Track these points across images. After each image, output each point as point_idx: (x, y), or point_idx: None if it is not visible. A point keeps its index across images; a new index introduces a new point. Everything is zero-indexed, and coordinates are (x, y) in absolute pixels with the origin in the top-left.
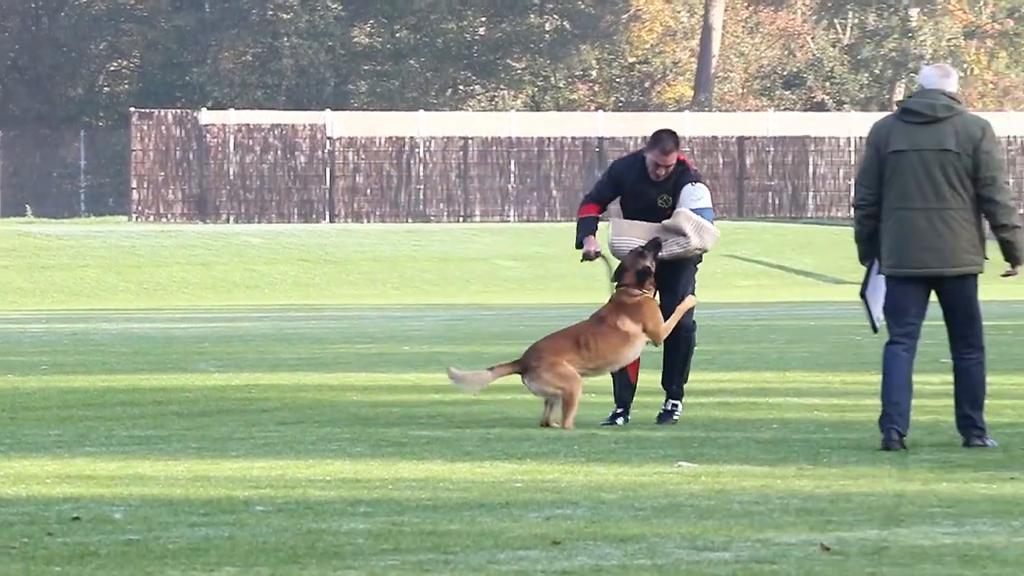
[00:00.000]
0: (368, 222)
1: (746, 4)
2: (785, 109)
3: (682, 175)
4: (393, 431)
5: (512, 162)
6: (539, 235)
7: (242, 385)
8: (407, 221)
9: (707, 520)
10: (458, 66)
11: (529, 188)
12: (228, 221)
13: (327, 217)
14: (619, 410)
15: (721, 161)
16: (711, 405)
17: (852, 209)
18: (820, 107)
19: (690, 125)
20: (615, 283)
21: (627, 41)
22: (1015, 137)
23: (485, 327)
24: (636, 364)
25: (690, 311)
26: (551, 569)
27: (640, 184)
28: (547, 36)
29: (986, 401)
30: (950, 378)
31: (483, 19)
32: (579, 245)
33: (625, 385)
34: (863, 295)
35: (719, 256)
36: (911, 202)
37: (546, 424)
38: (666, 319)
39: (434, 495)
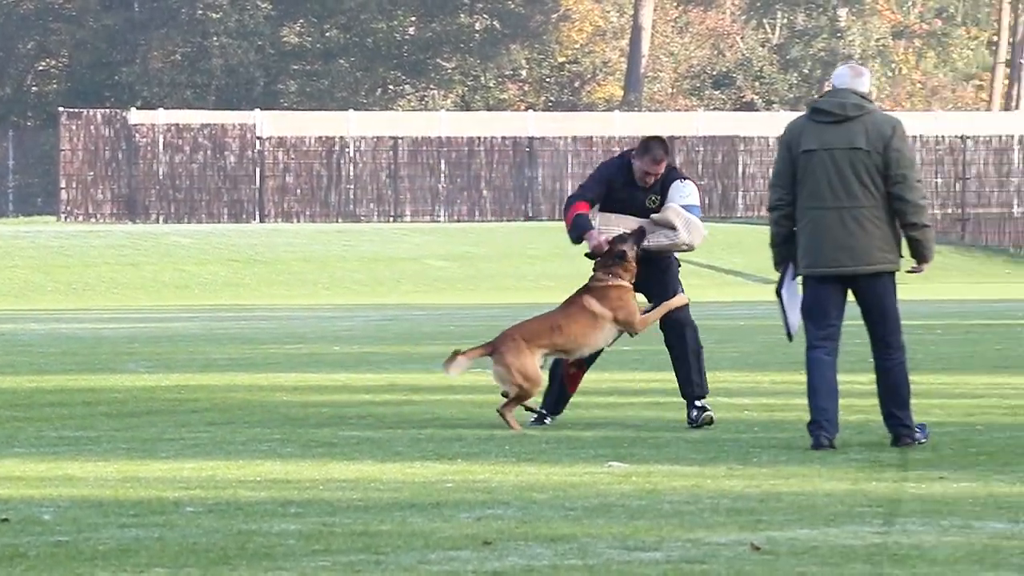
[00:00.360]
0: (298, 222)
1: (675, 4)
2: (715, 109)
3: (669, 173)
4: (324, 432)
5: (442, 162)
6: (469, 235)
7: (172, 386)
8: (337, 221)
9: (638, 520)
10: (388, 66)
11: (459, 188)
12: (158, 221)
13: (257, 217)
14: (543, 410)
15: None
16: (641, 405)
17: (768, 212)
18: (749, 107)
19: (620, 125)
20: (593, 268)
21: (557, 41)
22: (943, 137)
23: (416, 327)
24: (577, 375)
25: (686, 310)
26: (482, 569)
27: (629, 187)
28: (477, 36)
29: (912, 400)
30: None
31: (413, 19)
32: (577, 241)
33: (559, 392)
34: (779, 293)
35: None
36: (823, 201)
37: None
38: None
39: (365, 496)
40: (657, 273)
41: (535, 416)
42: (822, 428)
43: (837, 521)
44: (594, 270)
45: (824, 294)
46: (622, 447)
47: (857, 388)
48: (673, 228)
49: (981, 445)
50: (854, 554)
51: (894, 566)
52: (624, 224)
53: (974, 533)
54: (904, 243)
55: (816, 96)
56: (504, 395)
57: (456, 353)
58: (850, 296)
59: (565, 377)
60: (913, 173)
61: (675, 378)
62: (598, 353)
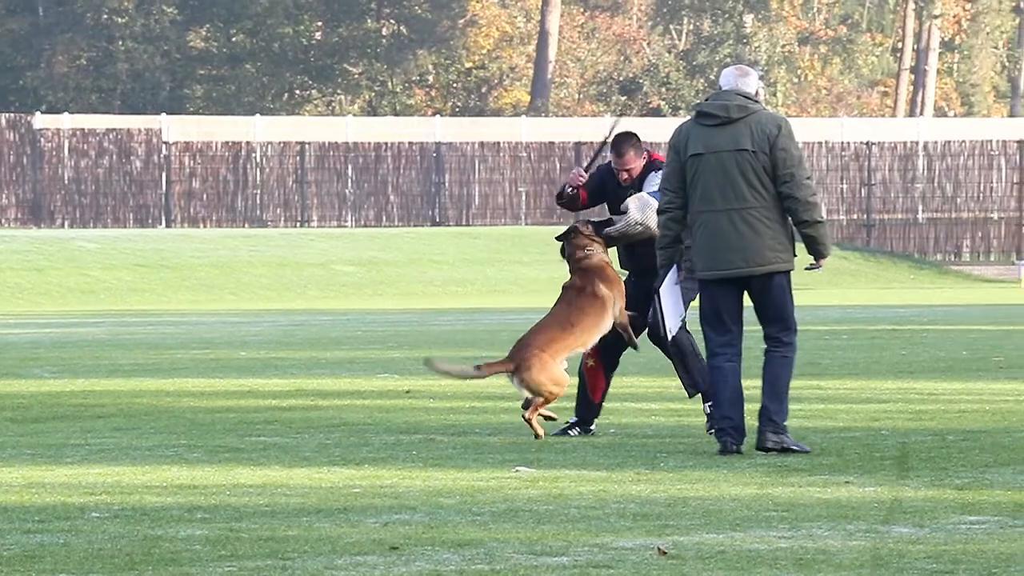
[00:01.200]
0: (205, 227)
1: (582, 10)
2: (621, 114)
3: (647, 166)
4: (230, 437)
5: (349, 167)
6: (376, 240)
7: (77, 391)
8: (244, 226)
9: (545, 525)
10: (295, 71)
11: (367, 193)
12: (63, 226)
13: (163, 222)
14: (574, 419)
15: (558, 167)
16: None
17: (657, 215)
18: (656, 112)
19: (527, 130)
20: (566, 259)
21: (464, 46)
22: (848, 143)
23: (322, 332)
24: (601, 382)
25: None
26: (389, 574)
27: (618, 188)
28: (384, 41)
29: (789, 407)
30: None
31: (319, 24)
32: (561, 198)
33: (584, 401)
34: (657, 292)
35: (557, 261)
36: (713, 204)
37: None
38: (645, 302)
39: (272, 501)
40: (644, 257)
41: (563, 427)
42: (728, 435)
43: (743, 526)
44: (570, 259)
45: (720, 298)
46: (529, 452)
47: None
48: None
49: (886, 450)
50: (760, 558)
51: (800, 570)
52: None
53: (879, 538)
54: (800, 242)
55: (704, 99)
56: (525, 405)
57: (478, 367)
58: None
59: (589, 384)
60: (801, 171)
61: (681, 376)
62: (619, 355)
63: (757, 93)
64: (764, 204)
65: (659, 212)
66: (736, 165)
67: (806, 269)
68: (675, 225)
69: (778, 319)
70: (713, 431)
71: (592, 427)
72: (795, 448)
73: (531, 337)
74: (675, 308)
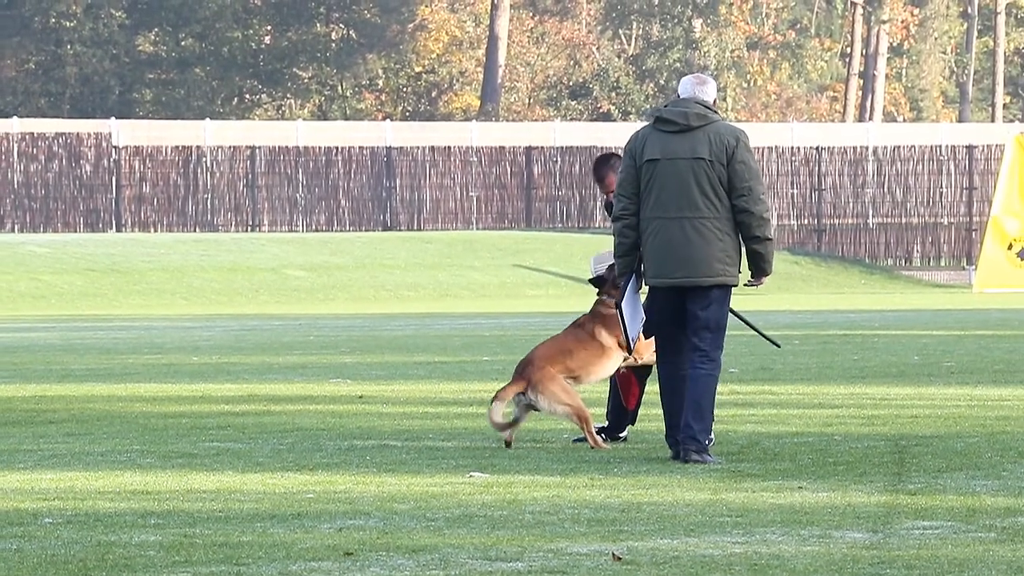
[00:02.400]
0: (155, 231)
1: (531, 14)
2: (571, 119)
3: None
4: (183, 442)
5: (300, 171)
6: (328, 244)
7: (29, 396)
8: (195, 231)
9: (499, 530)
10: (244, 75)
11: (317, 198)
12: (12, 230)
13: (114, 226)
14: (601, 425)
15: (509, 171)
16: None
17: (613, 222)
18: (606, 117)
19: (477, 135)
20: (596, 294)
21: (413, 51)
22: (798, 148)
23: (274, 337)
24: (635, 388)
25: None
26: None
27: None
28: (333, 45)
29: (714, 418)
30: (739, 388)
31: (269, 28)
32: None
33: (617, 407)
34: (619, 307)
35: (508, 266)
36: (666, 211)
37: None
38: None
39: (225, 506)
40: None
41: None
42: (678, 442)
43: (697, 531)
44: (598, 294)
45: (666, 306)
46: (483, 457)
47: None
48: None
49: (839, 455)
50: (714, 564)
51: (753, 575)
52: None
53: (833, 543)
54: (744, 256)
55: (662, 105)
56: (577, 440)
57: (494, 399)
58: None
59: (622, 390)
60: (759, 186)
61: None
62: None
63: (715, 103)
64: (717, 215)
65: (614, 219)
66: (692, 173)
67: (745, 285)
68: (631, 232)
69: (709, 329)
70: (670, 440)
71: (624, 434)
72: (717, 462)
73: (536, 353)
74: (635, 316)
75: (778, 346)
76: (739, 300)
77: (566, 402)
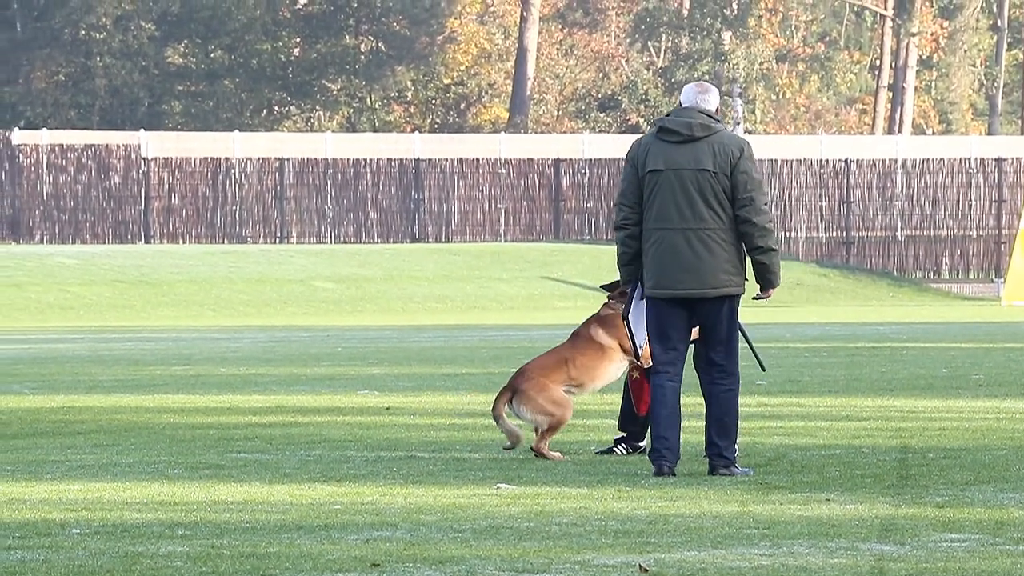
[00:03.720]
0: (184, 243)
1: (560, 27)
2: (600, 131)
3: None
4: (210, 453)
5: (328, 183)
6: (356, 256)
7: (57, 407)
8: (223, 242)
9: (526, 542)
10: (273, 87)
11: (346, 209)
12: (42, 242)
13: (142, 238)
14: (617, 437)
15: (537, 183)
16: (530, 427)
17: (615, 231)
18: (635, 129)
19: (506, 147)
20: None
21: (442, 63)
22: (827, 160)
23: (302, 348)
24: (646, 394)
25: None
26: None
27: None
28: (362, 57)
29: (739, 430)
30: (766, 400)
31: (298, 40)
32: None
33: (627, 413)
34: (625, 318)
35: (536, 278)
36: (669, 222)
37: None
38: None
39: (253, 517)
40: None
41: (607, 447)
42: (663, 457)
43: (724, 543)
44: (608, 299)
45: (668, 316)
46: (510, 469)
47: (743, 411)
48: None
49: (867, 468)
50: None
51: None
52: None
53: (860, 555)
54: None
55: (665, 115)
56: (534, 431)
57: (496, 418)
58: None
59: (635, 396)
60: (761, 196)
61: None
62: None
63: (717, 111)
64: (721, 226)
65: (617, 228)
66: (696, 184)
67: (754, 298)
68: (633, 242)
69: (723, 342)
70: (647, 452)
71: (642, 443)
72: (746, 472)
73: (531, 364)
74: (641, 323)
75: (763, 369)
76: (764, 312)
77: (550, 411)
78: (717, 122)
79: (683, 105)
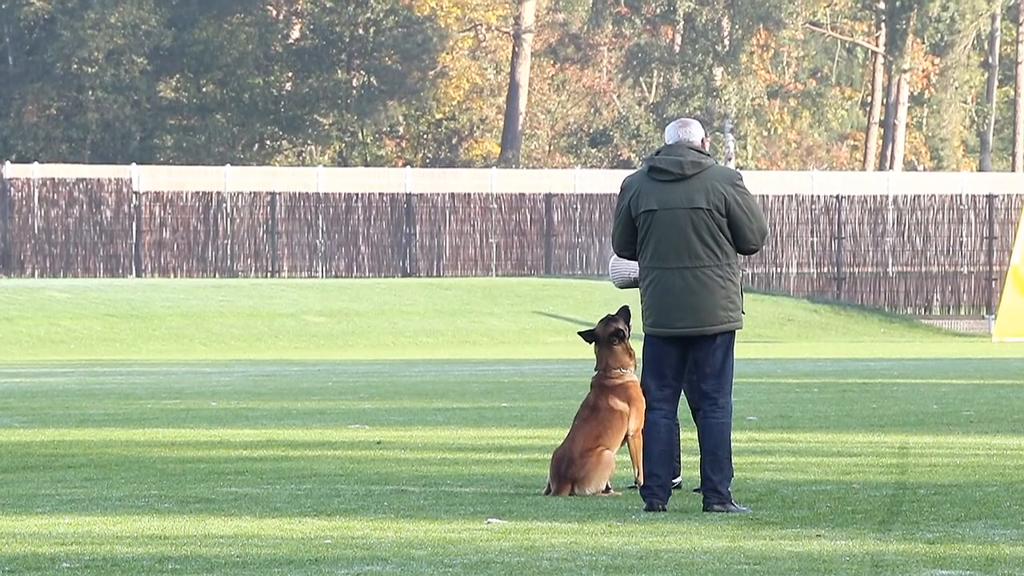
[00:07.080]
0: (175, 277)
1: (552, 62)
2: (592, 166)
3: None
4: (201, 487)
5: (320, 217)
6: (347, 291)
7: (48, 441)
8: (215, 276)
9: None
10: (265, 121)
11: (337, 244)
12: (33, 275)
13: (133, 272)
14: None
15: (529, 218)
16: (520, 462)
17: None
18: (626, 164)
19: (497, 182)
20: (595, 369)
21: (434, 97)
22: (818, 196)
23: (293, 383)
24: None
25: None
26: None
27: None
28: (354, 92)
29: (733, 465)
30: (757, 435)
31: (290, 74)
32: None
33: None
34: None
35: (528, 313)
36: (666, 262)
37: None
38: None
39: (243, 552)
40: None
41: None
42: (654, 495)
43: None
44: (597, 369)
45: (665, 354)
46: (501, 503)
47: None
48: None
49: (858, 503)
50: None
51: None
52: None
53: None
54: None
55: (653, 153)
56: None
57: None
58: None
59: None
60: (760, 221)
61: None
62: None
63: (703, 142)
64: (717, 262)
65: (618, 254)
66: (690, 223)
67: None
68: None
69: (716, 376)
70: (638, 488)
71: (678, 480)
72: (743, 511)
73: (568, 447)
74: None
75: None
76: (756, 348)
77: (605, 478)
78: (707, 156)
79: (668, 143)
